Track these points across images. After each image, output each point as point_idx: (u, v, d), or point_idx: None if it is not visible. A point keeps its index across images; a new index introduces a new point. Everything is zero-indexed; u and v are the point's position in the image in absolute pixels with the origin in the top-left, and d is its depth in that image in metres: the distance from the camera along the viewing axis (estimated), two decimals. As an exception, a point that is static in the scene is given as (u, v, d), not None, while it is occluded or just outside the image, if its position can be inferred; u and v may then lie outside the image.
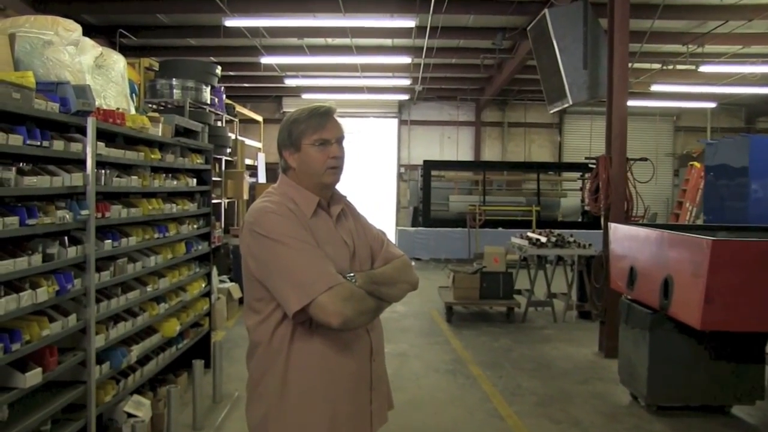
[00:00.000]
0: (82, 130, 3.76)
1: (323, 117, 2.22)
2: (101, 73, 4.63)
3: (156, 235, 4.86)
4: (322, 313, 2.01)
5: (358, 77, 15.24)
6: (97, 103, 4.06)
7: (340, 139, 2.25)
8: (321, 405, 2.15)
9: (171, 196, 5.40)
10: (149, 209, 4.70)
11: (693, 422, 5.17)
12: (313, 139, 2.21)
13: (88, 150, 3.74)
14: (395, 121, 19.58)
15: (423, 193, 16.55)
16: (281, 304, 2.09)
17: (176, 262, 5.32)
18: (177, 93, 8.71)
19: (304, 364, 2.14)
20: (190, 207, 5.67)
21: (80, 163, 3.77)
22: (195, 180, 5.80)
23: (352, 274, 2.13)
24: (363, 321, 2.14)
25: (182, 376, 5.56)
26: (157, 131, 4.90)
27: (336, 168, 2.24)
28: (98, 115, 3.98)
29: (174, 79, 8.81)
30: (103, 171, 4.01)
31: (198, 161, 5.88)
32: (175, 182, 5.32)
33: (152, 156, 4.78)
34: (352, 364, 2.20)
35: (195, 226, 5.79)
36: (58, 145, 3.54)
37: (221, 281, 8.84)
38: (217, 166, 9.92)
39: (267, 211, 2.14)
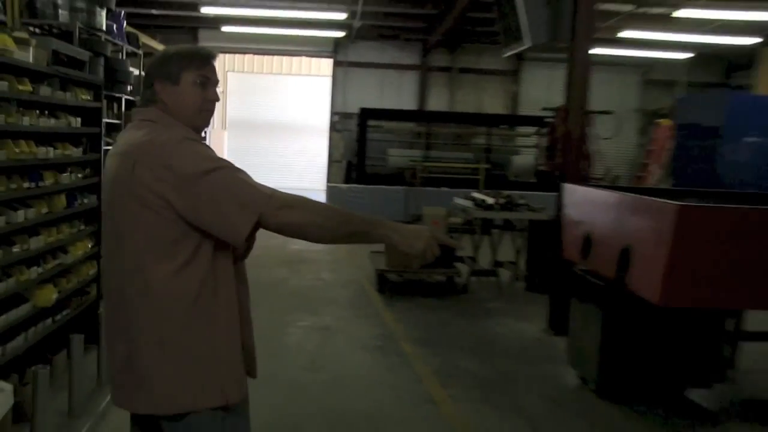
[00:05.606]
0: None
1: (208, 57, 2.34)
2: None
3: (26, 185, 4.58)
4: (290, 215, 2.15)
5: (288, 8, 14.81)
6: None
7: (217, 84, 2.39)
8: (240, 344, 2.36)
9: (48, 138, 5.08)
10: (16, 153, 4.40)
11: (646, 408, 5.26)
12: (196, 74, 2.29)
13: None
14: (330, 62, 19.24)
15: (358, 145, 16.41)
16: (225, 235, 2.13)
17: (54, 218, 5.06)
18: (63, 14, 8.16)
19: (231, 300, 2.28)
20: (74, 152, 5.38)
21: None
22: (80, 120, 5.49)
23: None
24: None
25: (62, 354, 5.33)
26: (27, 56, 4.56)
27: (210, 112, 2.37)
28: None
29: (60, -4, 8.28)
30: (-46, 103, 3.70)
31: (85, 98, 5.56)
32: (52, 121, 5.01)
33: (20, 87, 4.45)
34: (248, 296, 2.44)
35: (80, 176, 5.53)
36: None
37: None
38: (115, 105, 9.47)
39: (181, 140, 2.16)
